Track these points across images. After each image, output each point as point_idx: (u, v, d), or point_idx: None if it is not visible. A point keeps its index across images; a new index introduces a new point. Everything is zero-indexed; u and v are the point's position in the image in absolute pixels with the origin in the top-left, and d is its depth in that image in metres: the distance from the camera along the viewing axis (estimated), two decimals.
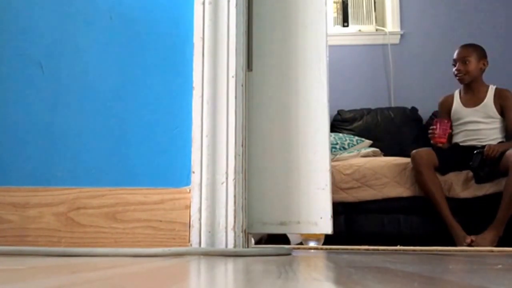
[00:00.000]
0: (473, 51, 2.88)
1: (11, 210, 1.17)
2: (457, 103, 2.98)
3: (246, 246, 1.15)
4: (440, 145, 2.76)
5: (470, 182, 2.69)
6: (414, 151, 2.75)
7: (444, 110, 3.02)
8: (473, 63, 2.86)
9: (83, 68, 1.23)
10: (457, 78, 2.90)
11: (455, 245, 2.54)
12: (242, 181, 1.14)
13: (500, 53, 3.58)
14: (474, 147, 2.76)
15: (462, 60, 2.87)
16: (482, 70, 2.89)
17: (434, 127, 2.75)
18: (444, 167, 2.72)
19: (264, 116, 1.26)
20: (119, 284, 0.47)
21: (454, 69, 2.92)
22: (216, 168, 1.12)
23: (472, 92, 2.93)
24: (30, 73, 1.24)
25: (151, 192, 1.16)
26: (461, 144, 2.86)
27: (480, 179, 2.68)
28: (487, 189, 2.66)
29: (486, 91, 2.91)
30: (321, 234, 2.41)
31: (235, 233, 1.10)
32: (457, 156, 2.76)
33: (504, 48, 3.71)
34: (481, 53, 2.89)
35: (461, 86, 2.98)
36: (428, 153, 2.72)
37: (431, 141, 2.77)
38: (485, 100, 2.90)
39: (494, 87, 2.92)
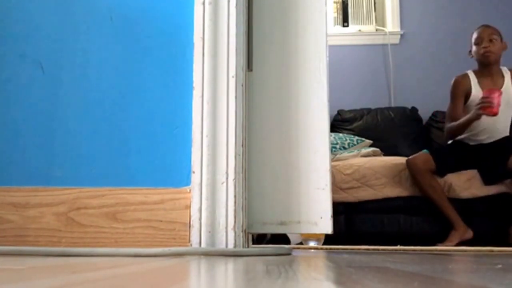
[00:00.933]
0: (496, 31, 2.68)
1: (12, 210, 1.17)
2: (476, 89, 2.69)
3: (246, 246, 1.15)
4: (491, 115, 2.49)
5: (471, 182, 2.68)
6: (408, 158, 2.70)
7: (462, 93, 2.70)
8: (498, 42, 2.66)
9: (83, 68, 1.24)
10: (486, 55, 2.64)
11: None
12: (242, 181, 1.14)
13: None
14: (478, 146, 2.70)
15: (488, 38, 2.65)
16: (502, 52, 2.69)
17: (489, 96, 2.46)
18: (441, 169, 2.66)
19: (264, 116, 1.26)
20: (119, 284, 0.47)
21: (477, 47, 2.68)
22: (216, 168, 1.12)
23: (490, 75, 2.69)
24: (30, 73, 1.24)
25: (151, 192, 1.16)
26: (469, 139, 2.71)
27: (488, 180, 2.63)
28: (488, 189, 2.65)
29: (503, 75, 2.70)
30: (321, 234, 2.41)
31: (235, 233, 1.10)
32: (456, 155, 2.70)
33: None
34: (501, 35, 2.70)
35: (476, 68, 2.74)
36: (423, 159, 2.64)
37: (482, 111, 2.49)
38: (505, 85, 2.66)
39: (506, 68, 2.72)
